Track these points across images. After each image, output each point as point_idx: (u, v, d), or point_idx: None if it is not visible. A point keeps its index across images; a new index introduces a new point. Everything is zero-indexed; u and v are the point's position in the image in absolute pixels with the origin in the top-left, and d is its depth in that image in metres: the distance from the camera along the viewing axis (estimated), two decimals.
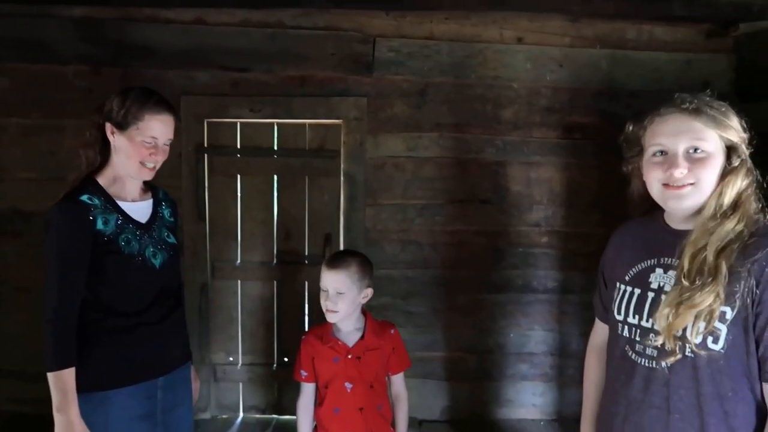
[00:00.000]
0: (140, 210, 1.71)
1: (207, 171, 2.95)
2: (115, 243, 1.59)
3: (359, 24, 2.90)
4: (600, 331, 1.52)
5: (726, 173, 1.20)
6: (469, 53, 2.93)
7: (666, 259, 1.27)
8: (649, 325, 1.25)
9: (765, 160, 1.31)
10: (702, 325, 1.14)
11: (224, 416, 3.11)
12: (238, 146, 3.00)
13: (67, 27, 2.82)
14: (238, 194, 3.03)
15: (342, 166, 2.94)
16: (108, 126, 1.64)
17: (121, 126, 1.62)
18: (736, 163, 1.21)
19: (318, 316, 3.05)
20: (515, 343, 3.13)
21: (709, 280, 1.13)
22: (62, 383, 1.49)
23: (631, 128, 1.34)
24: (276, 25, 2.88)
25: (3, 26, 2.81)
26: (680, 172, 1.19)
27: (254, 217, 3.05)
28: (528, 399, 3.17)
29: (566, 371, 3.11)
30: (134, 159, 1.62)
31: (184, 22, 2.85)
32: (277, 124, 2.98)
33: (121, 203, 1.66)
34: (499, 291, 3.08)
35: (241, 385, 3.11)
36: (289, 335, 3.11)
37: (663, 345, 1.19)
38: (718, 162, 1.20)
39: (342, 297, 1.82)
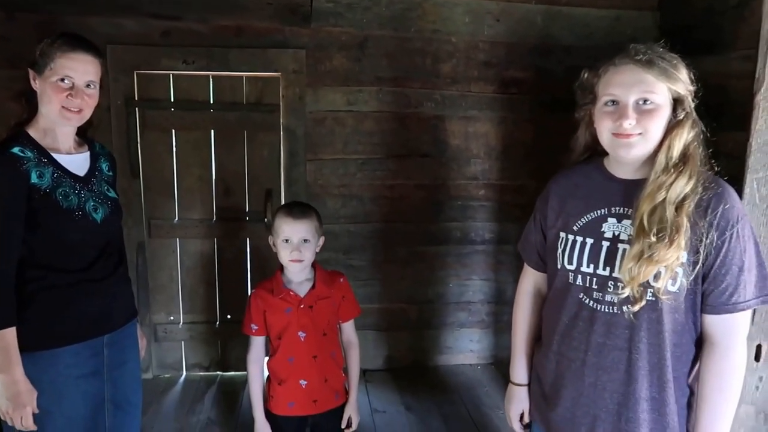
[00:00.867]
0: (77, 163, 1.62)
1: (139, 125, 2.83)
2: (52, 197, 1.51)
3: None
4: (531, 277, 1.56)
5: (673, 126, 1.24)
6: (408, 6, 2.90)
7: (617, 208, 1.31)
8: (606, 273, 1.29)
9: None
10: (664, 272, 1.21)
11: (167, 375, 3.08)
12: (172, 100, 2.88)
13: None
14: (174, 150, 2.93)
15: (281, 120, 2.89)
16: (30, 72, 1.56)
17: (39, 69, 1.54)
18: (681, 115, 1.25)
19: (260, 272, 3.05)
20: (454, 293, 3.25)
21: (673, 236, 1.19)
22: (4, 342, 1.43)
23: (585, 76, 1.35)
24: None
25: None
26: (629, 123, 1.23)
27: (192, 174, 2.97)
28: (466, 345, 3.32)
29: (502, 318, 3.27)
30: (54, 103, 1.52)
31: None
32: (213, 76, 2.88)
33: (56, 156, 1.57)
34: (439, 243, 3.17)
35: (183, 343, 3.08)
36: (231, 292, 3.09)
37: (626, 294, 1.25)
38: (665, 114, 1.24)
39: (308, 245, 1.86)
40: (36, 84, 1.55)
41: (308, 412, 1.94)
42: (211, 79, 2.89)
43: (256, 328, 1.94)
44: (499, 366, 3.26)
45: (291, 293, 1.89)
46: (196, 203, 3.00)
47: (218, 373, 3.12)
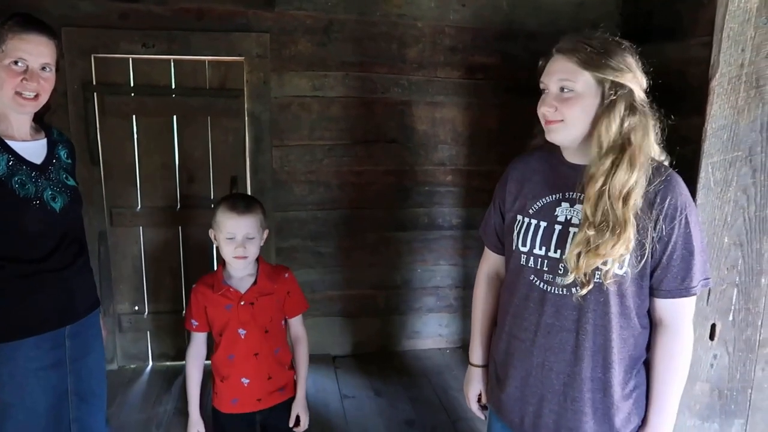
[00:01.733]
0: (33, 150, 1.57)
1: (98, 111, 2.75)
2: (7, 185, 1.46)
3: None
4: (490, 260, 1.58)
5: (600, 113, 1.25)
6: None
7: (570, 193, 1.33)
8: (557, 256, 1.31)
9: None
10: (611, 260, 1.24)
11: (132, 366, 3.03)
12: (132, 84, 2.80)
13: None
14: (135, 136, 2.85)
15: (246, 105, 2.84)
16: None
17: None
18: (606, 102, 1.24)
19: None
20: (421, 278, 3.27)
21: (620, 232, 1.21)
22: None
23: (540, 64, 1.37)
24: None
25: None
26: (546, 110, 1.29)
27: (154, 161, 2.90)
28: (434, 330, 3.35)
29: (469, 302, 3.14)
30: (8, 87, 1.46)
31: None
32: (174, 61, 2.81)
33: (10, 143, 1.51)
34: (406, 229, 3.18)
35: (148, 333, 3.03)
36: (197, 281, 3.04)
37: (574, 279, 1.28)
38: (586, 101, 1.25)
39: (252, 242, 1.80)
40: None
41: (252, 410, 1.90)
42: (172, 64, 2.82)
43: (196, 324, 1.89)
44: (467, 350, 3.29)
45: (231, 289, 1.84)
46: (159, 191, 2.94)
47: (185, 362, 3.07)
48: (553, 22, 3.04)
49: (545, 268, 1.34)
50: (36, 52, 1.49)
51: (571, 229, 1.30)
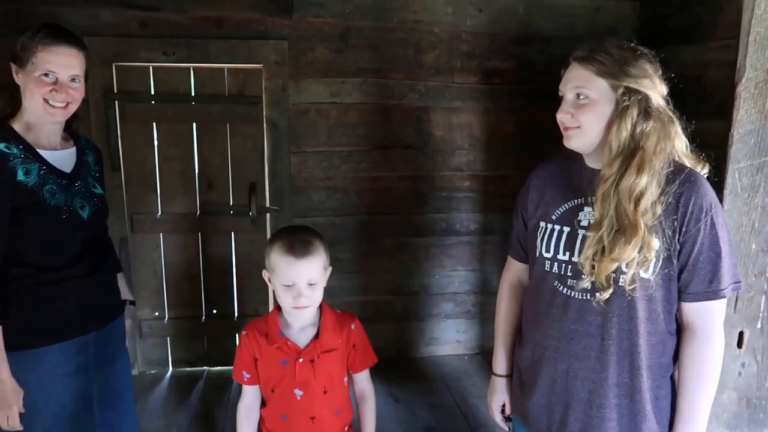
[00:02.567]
0: (63, 159, 1.59)
1: (119, 118, 2.78)
2: (38, 195, 1.48)
3: None
4: (514, 269, 1.58)
5: (612, 119, 1.26)
6: None
7: (592, 198, 1.32)
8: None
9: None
10: (635, 262, 1.23)
11: (153, 371, 3.05)
12: (152, 92, 2.83)
13: None
14: (155, 143, 2.88)
15: (264, 112, 2.86)
16: (12, 66, 1.52)
17: (21, 63, 1.49)
18: (620, 108, 1.24)
19: (244, 269, 3.03)
20: (439, 284, 3.26)
21: (630, 235, 1.21)
22: None
23: (561, 72, 1.38)
24: None
25: None
26: (562, 116, 1.31)
27: (173, 168, 2.93)
28: (452, 336, 3.34)
29: (488, 308, 3.29)
30: (37, 98, 1.48)
31: None
32: (194, 68, 2.84)
33: (42, 152, 1.53)
34: (424, 234, 3.17)
35: (168, 339, 3.05)
36: (216, 287, 3.07)
37: (594, 282, 1.27)
38: (601, 108, 1.26)
39: (315, 287, 1.51)
40: (18, 78, 1.51)
41: None
42: (192, 71, 2.85)
43: (248, 377, 1.60)
44: (486, 356, 3.29)
45: (289, 343, 1.54)
46: (178, 197, 2.96)
47: (205, 368, 3.10)
48: (569, 26, 3.04)
49: (569, 274, 1.33)
50: (65, 63, 1.50)
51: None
